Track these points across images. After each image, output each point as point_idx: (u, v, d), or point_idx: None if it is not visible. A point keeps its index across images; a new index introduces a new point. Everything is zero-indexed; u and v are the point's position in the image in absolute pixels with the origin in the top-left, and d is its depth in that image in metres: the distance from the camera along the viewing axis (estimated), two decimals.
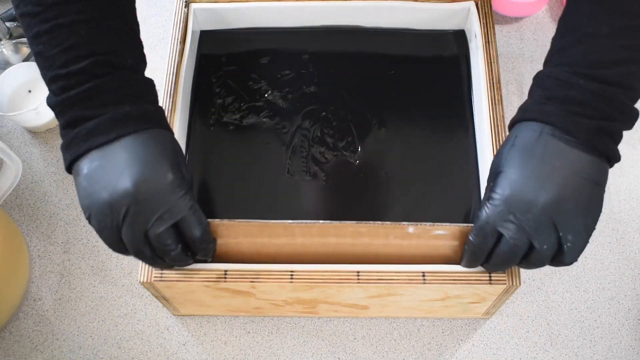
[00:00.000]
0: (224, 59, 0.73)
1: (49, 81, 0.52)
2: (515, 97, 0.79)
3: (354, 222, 0.57)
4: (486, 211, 0.52)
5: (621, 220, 0.73)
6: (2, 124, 0.81)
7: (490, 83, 0.66)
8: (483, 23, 0.69)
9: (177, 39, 0.69)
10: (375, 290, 0.59)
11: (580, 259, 0.71)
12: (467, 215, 0.65)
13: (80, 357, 0.69)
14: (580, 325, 0.69)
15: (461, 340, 0.68)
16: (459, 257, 0.58)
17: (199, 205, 0.54)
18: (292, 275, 0.58)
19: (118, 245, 0.52)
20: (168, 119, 0.61)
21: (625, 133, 0.79)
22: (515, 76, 0.81)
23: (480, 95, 0.66)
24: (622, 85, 0.51)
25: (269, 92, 0.71)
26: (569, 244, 0.50)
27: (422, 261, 0.59)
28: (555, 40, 0.55)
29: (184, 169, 0.54)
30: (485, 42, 0.68)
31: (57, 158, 0.78)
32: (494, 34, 0.69)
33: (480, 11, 0.70)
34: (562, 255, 0.51)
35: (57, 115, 0.52)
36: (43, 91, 0.78)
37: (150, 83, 0.55)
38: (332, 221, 0.57)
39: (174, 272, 0.58)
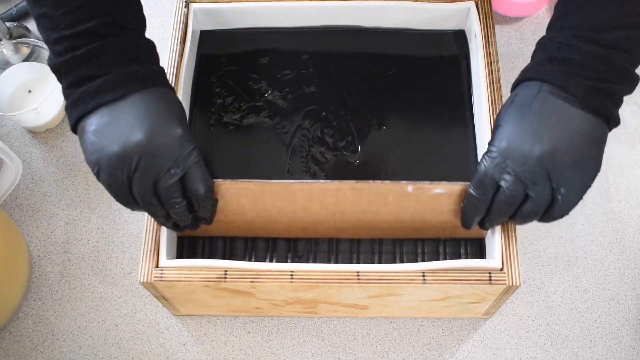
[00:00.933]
0: (224, 59, 0.73)
1: (53, 42, 0.53)
2: None
3: (354, 181, 0.58)
4: (485, 164, 0.54)
5: (621, 220, 0.73)
6: (2, 124, 0.81)
7: (490, 83, 0.66)
8: (483, 23, 0.69)
9: (177, 39, 0.69)
10: (375, 290, 0.59)
11: (580, 259, 0.71)
12: None
13: (80, 357, 0.69)
14: (580, 325, 0.69)
15: (461, 340, 0.68)
16: (458, 215, 0.59)
17: None
18: (292, 275, 0.58)
19: (127, 198, 0.54)
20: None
21: (625, 133, 0.79)
22: (515, 76, 0.80)
23: (480, 95, 0.66)
24: (621, 49, 0.52)
25: (269, 92, 0.71)
26: (561, 197, 0.52)
27: (421, 223, 0.60)
28: (557, 7, 0.56)
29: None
30: (485, 42, 0.68)
31: (57, 158, 0.78)
32: (494, 34, 0.69)
33: (480, 11, 0.70)
34: (553, 207, 0.53)
35: (61, 75, 0.53)
36: (43, 91, 0.78)
37: (152, 45, 0.57)
38: (333, 180, 0.58)
39: (174, 271, 0.58)
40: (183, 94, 0.67)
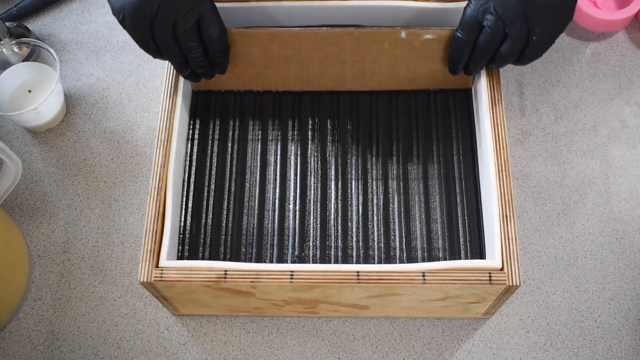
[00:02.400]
0: None
1: None
2: (515, 97, 0.79)
3: (353, 28, 0.66)
4: (470, 7, 0.61)
5: (621, 220, 0.73)
6: (2, 124, 0.81)
7: (490, 83, 0.66)
8: None
9: None
10: (376, 290, 0.59)
11: (580, 259, 0.71)
12: (469, 215, 0.65)
13: (80, 357, 0.69)
14: (580, 325, 0.69)
15: (461, 340, 0.68)
16: (446, 63, 0.66)
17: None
18: (292, 275, 0.58)
19: (149, 43, 0.60)
20: (168, 119, 0.65)
21: (624, 133, 0.79)
22: (515, 76, 0.81)
23: (481, 95, 0.66)
24: None
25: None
26: (535, 37, 0.59)
27: (414, 72, 0.67)
28: None
29: None
30: None
31: (57, 158, 0.78)
32: None
33: None
34: (528, 47, 0.60)
35: None
36: (43, 91, 0.78)
37: None
38: (335, 28, 0.66)
39: (173, 271, 0.58)
40: (183, 94, 0.67)
